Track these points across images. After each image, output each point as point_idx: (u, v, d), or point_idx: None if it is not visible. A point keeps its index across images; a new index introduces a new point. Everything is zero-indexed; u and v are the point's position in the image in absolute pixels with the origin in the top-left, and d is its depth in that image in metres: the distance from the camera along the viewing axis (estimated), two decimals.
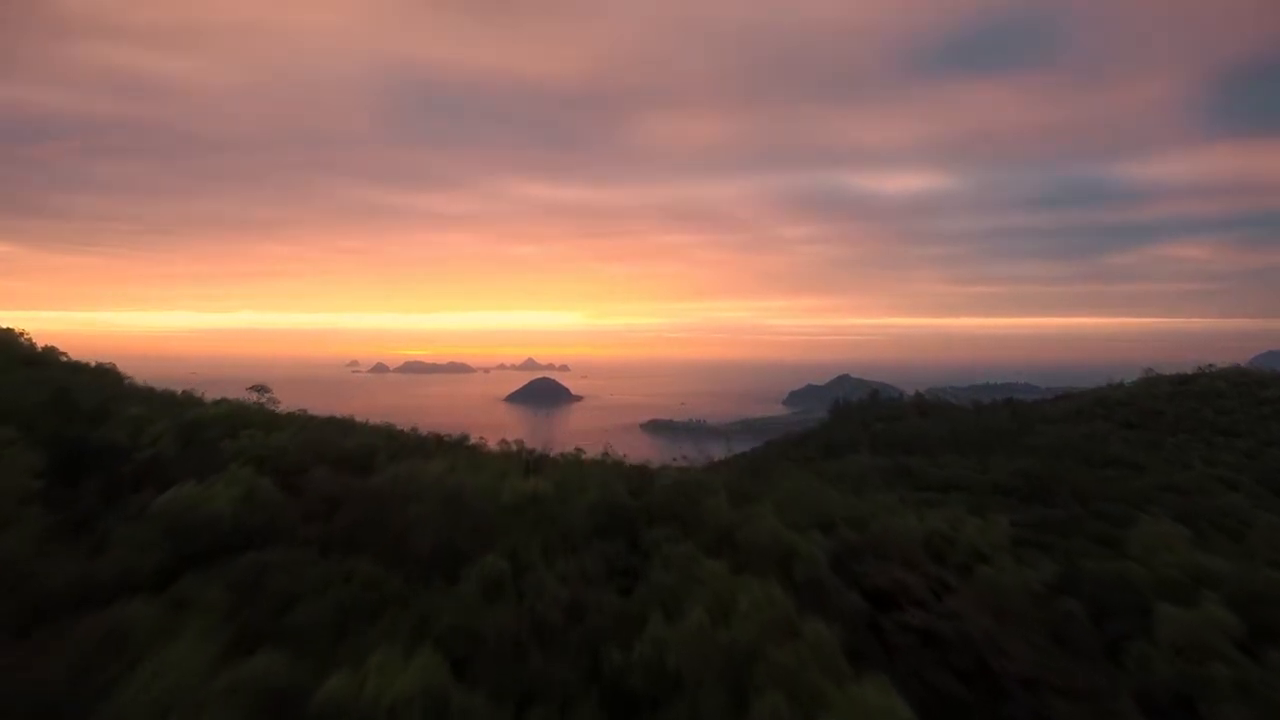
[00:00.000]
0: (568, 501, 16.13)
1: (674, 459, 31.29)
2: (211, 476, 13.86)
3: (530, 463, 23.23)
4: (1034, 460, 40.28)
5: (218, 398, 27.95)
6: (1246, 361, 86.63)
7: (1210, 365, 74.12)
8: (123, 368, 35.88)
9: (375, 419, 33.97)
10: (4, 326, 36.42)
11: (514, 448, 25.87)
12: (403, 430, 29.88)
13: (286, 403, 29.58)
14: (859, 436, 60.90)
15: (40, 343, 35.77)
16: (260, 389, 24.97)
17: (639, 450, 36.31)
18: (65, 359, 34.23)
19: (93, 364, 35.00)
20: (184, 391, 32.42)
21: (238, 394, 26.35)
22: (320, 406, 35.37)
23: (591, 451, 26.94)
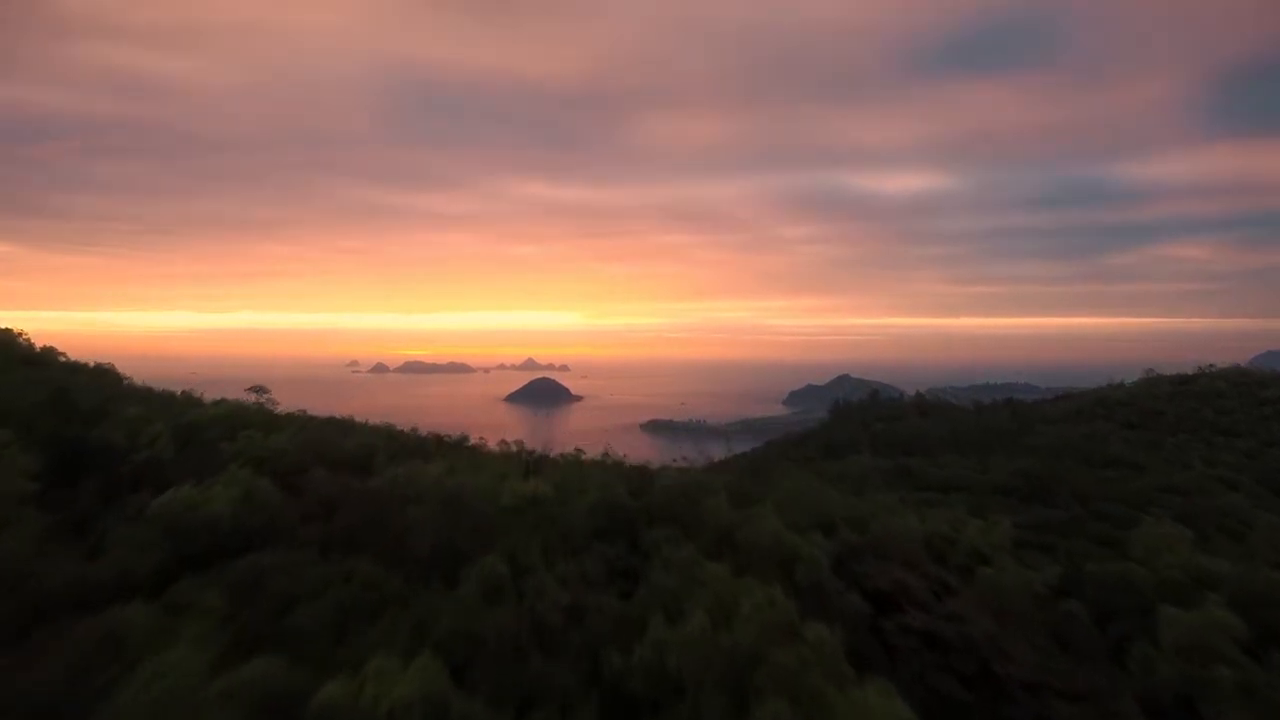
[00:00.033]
0: (568, 503, 16.04)
1: (674, 459, 31.21)
2: (210, 478, 13.79)
3: (530, 464, 23.16)
4: (1034, 461, 40.16)
5: (217, 398, 27.88)
6: (1246, 361, 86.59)
7: (1210, 365, 73.99)
8: (122, 368, 35.80)
9: (375, 419, 33.93)
10: (3, 327, 36.34)
11: (514, 448, 25.80)
12: (402, 431, 29.81)
13: (286, 403, 29.51)
14: (859, 437, 60.75)
15: (40, 343, 35.71)
16: (258, 390, 24.89)
17: (639, 450, 36.23)
18: (64, 359, 34.14)
19: (92, 364, 34.91)
20: (183, 392, 32.36)
21: (237, 394, 26.30)
22: (320, 407, 35.32)
23: (591, 452, 26.88)
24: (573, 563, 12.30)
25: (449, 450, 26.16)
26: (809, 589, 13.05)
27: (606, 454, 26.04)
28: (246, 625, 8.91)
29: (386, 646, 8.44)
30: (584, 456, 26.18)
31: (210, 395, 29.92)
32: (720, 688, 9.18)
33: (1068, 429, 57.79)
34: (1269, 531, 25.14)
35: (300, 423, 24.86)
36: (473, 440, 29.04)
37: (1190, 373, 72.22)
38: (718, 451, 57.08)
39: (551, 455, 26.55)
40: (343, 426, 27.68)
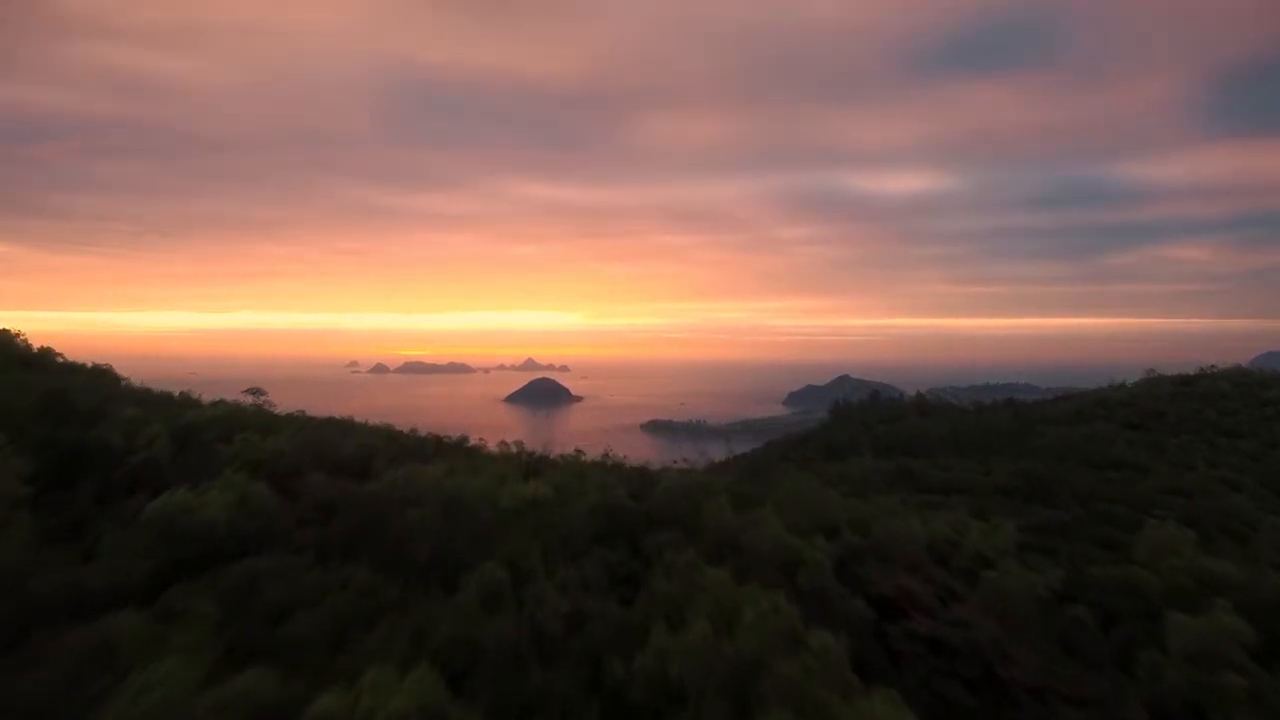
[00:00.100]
0: (568, 505, 15.89)
1: (674, 460, 31.12)
2: (206, 481, 13.61)
3: (530, 465, 23.02)
4: (1036, 462, 39.99)
5: (215, 399, 27.73)
6: (1247, 362, 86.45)
7: (1212, 366, 73.86)
8: (122, 368, 35.65)
9: (375, 420, 33.79)
10: (1, 328, 36.20)
11: (513, 449, 25.67)
12: (402, 431, 29.68)
13: (286, 404, 29.37)
14: (860, 438, 60.59)
15: (39, 344, 35.57)
16: (256, 392, 24.72)
17: (639, 451, 36.12)
18: (62, 360, 33.98)
19: (90, 365, 34.77)
20: (181, 393, 32.21)
21: (237, 395, 26.15)
22: (320, 407, 35.19)
23: (592, 452, 26.77)
24: (573, 568, 12.14)
25: (448, 451, 26.02)
26: (812, 594, 12.90)
27: (607, 455, 25.93)
28: (240, 634, 8.74)
29: (384, 656, 8.28)
30: (584, 457, 26.07)
31: (210, 396, 29.77)
32: (723, 697, 9.03)
33: (1069, 430, 57.61)
34: (1273, 534, 24.95)
35: (299, 424, 24.69)
36: (472, 441, 28.92)
37: (1191, 373, 72.07)
38: (718, 452, 56.99)
39: (551, 456, 26.42)
40: (342, 427, 27.51)
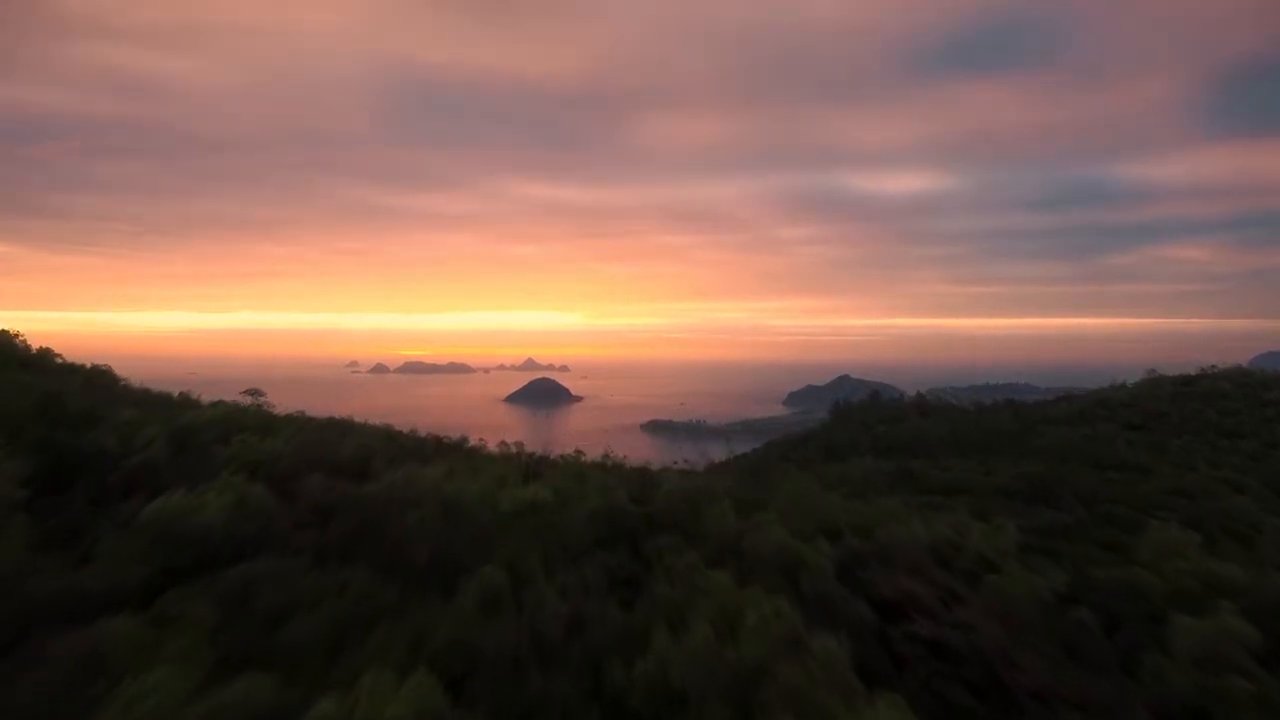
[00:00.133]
0: (568, 508, 15.82)
1: (675, 461, 31.07)
2: (204, 483, 13.51)
3: (530, 466, 22.94)
4: (1038, 463, 39.91)
5: (214, 400, 27.64)
6: (1247, 362, 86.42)
7: (1213, 366, 73.77)
8: (122, 369, 35.52)
9: (374, 420, 33.69)
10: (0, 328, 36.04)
11: (513, 450, 25.60)
12: (402, 432, 29.61)
13: (286, 404, 29.28)
14: (860, 438, 60.52)
15: (39, 344, 35.43)
16: (254, 393, 24.62)
17: (639, 451, 36.06)
18: (60, 361, 33.86)
19: (89, 366, 34.64)
20: (180, 394, 32.11)
21: (236, 395, 26.07)
22: (319, 407, 35.08)
23: (592, 453, 26.71)
24: (573, 571, 12.05)
25: (448, 452, 25.93)
26: (814, 597, 12.80)
27: (607, 455, 25.86)
28: (236, 640, 8.63)
29: (381, 661, 8.16)
30: (584, 458, 25.99)
31: (210, 396, 29.70)
32: (725, 702, 8.92)
33: (1070, 430, 57.52)
34: (1277, 536, 24.83)
35: (298, 425, 24.58)
36: (472, 441, 28.86)
37: (1192, 373, 71.97)
38: (718, 452, 56.97)
39: (551, 457, 26.36)
40: (341, 428, 27.41)
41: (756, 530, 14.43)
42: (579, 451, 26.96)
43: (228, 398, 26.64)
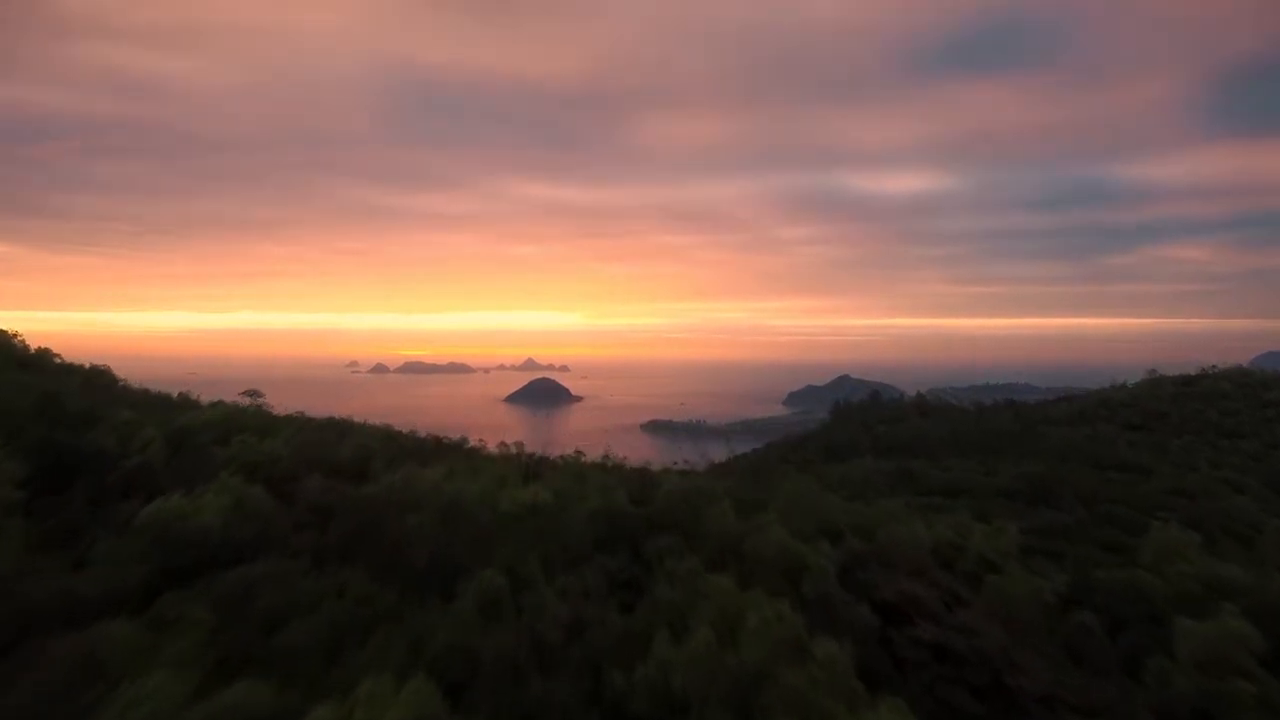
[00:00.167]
0: (568, 509, 15.68)
1: (675, 461, 30.96)
2: (202, 485, 13.41)
3: (530, 467, 22.83)
4: (1039, 463, 39.74)
5: (214, 400, 27.53)
6: (1247, 362, 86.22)
7: (1213, 366, 73.59)
8: (121, 369, 35.39)
9: (374, 420, 33.56)
10: None
11: (513, 450, 25.48)
12: (401, 432, 29.46)
13: (286, 404, 29.15)
14: (860, 438, 60.28)
15: (38, 344, 35.33)
16: (252, 394, 24.50)
17: (639, 451, 35.96)
18: (59, 361, 33.74)
19: (88, 366, 34.51)
20: (180, 394, 32.00)
21: (236, 396, 25.97)
22: (319, 407, 34.93)
23: (592, 453, 26.58)
24: (573, 574, 11.94)
25: (448, 453, 25.82)
26: (816, 600, 12.70)
27: (607, 456, 25.73)
28: (234, 643, 8.55)
29: (380, 666, 8.09)
30: (584, 458, 25.87)
31: (209, 396, 29.59)
32: (726, 708, 8.84)
33: (1071, 431, 57.36)
34: (1278, 536, 24.76)
35: (297, 425, 24.45)
36: (472, 442, 28.73)
37: (1193, 374, 71.79)
38: (718, 452, 56.86)
39: (551, 457, 26.25)
40: (341, 429, 27.28)
41: (757, 532, 14.33)
42: (579, 452, 26.83)
43: (227, 398, 26.54)
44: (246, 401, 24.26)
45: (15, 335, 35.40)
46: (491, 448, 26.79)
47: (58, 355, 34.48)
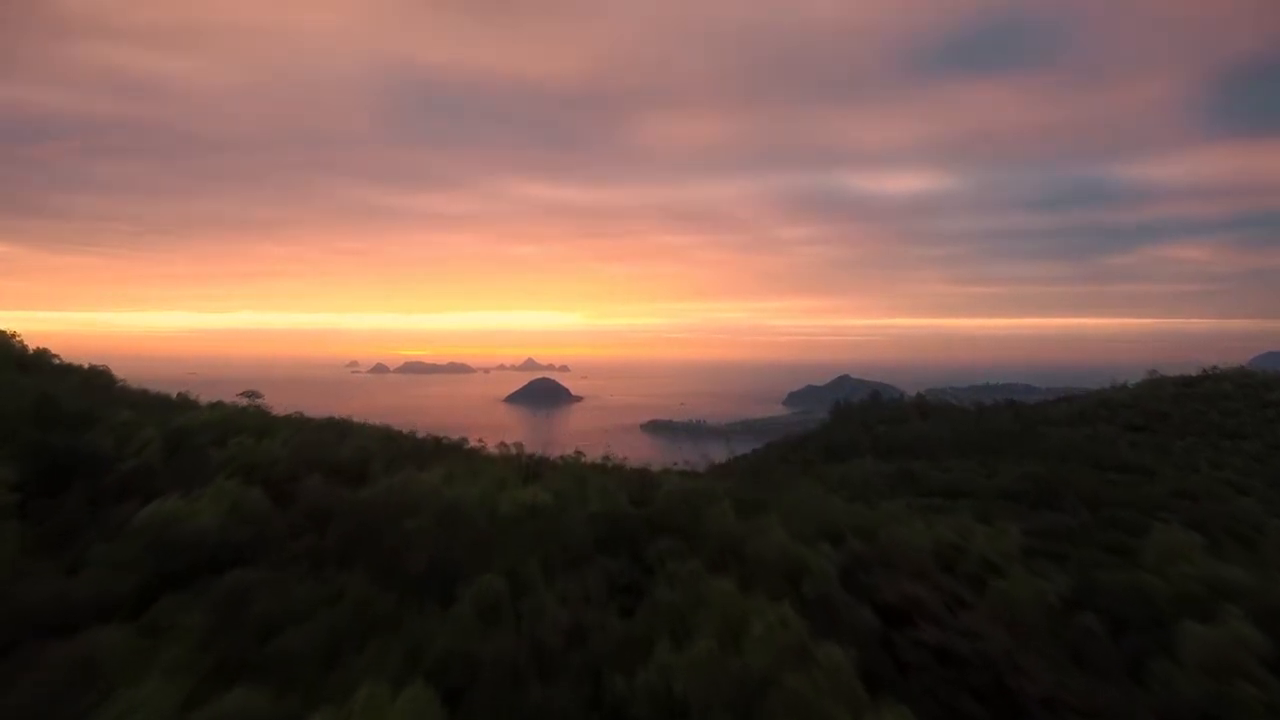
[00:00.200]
0: (568, 511, 15.63)
1: (675, 462, 30.95)
2: (199, 487, 13.35)
3: (529, 468, 22.77)
4: (1040, 464, 39.70)
5: (214, 400, 27.46)
6: (1247, 362, 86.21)
7: (1214, 367, 73.58)
8: (121, 369, 35.33)
9: (374, 420, 33.52)
10: None
11: (513, 451, 25.42)
12: (401, 433, 29.42)
13: (285, 404, 29.09)
14: (860, 439, 60.26)
15: (39, 344, 35.26)
16: (251, 394, 24.43)
17: (639, 451, 35.94)
18: (57, 361, 33.68)
19: (87, 366, 34.45)
20: (179, 394, 31.92)
21: (235, 396, 25.90)
22: (319, 408, 34.88)
23: (592, 453, 26.54)
24: (573, 578, 11.86)
25: (447, 454, 25.76)
26: (818, 604, 12.62)
27: (607, 456, 25.69)
28: (229, 649, 8.45)
29: (377, 672, 7.99)
30: (584, 459, 25.82)
31: (209, 397, 29.51)
32: (728, 713, 8.75)
33: (1071, 431, 57.31)
34: None
35: (296, 426, 24.37)
36: (472, 442, 28.68)
37: (1194, 374, 71.75)
38: (718, 453, 56.86)
39: (551, 458, 26.18)
40: (340, 429, 27.21)
41: (759, 534, 14.25)
42: (579, 452, 26.80)
43: (227, 398, 26.46)
44: (245, 402, 24.19)
45: (14, 335, 35.34)
46: (491, 448, 26.73)
47: (56, 355, 34.43)
